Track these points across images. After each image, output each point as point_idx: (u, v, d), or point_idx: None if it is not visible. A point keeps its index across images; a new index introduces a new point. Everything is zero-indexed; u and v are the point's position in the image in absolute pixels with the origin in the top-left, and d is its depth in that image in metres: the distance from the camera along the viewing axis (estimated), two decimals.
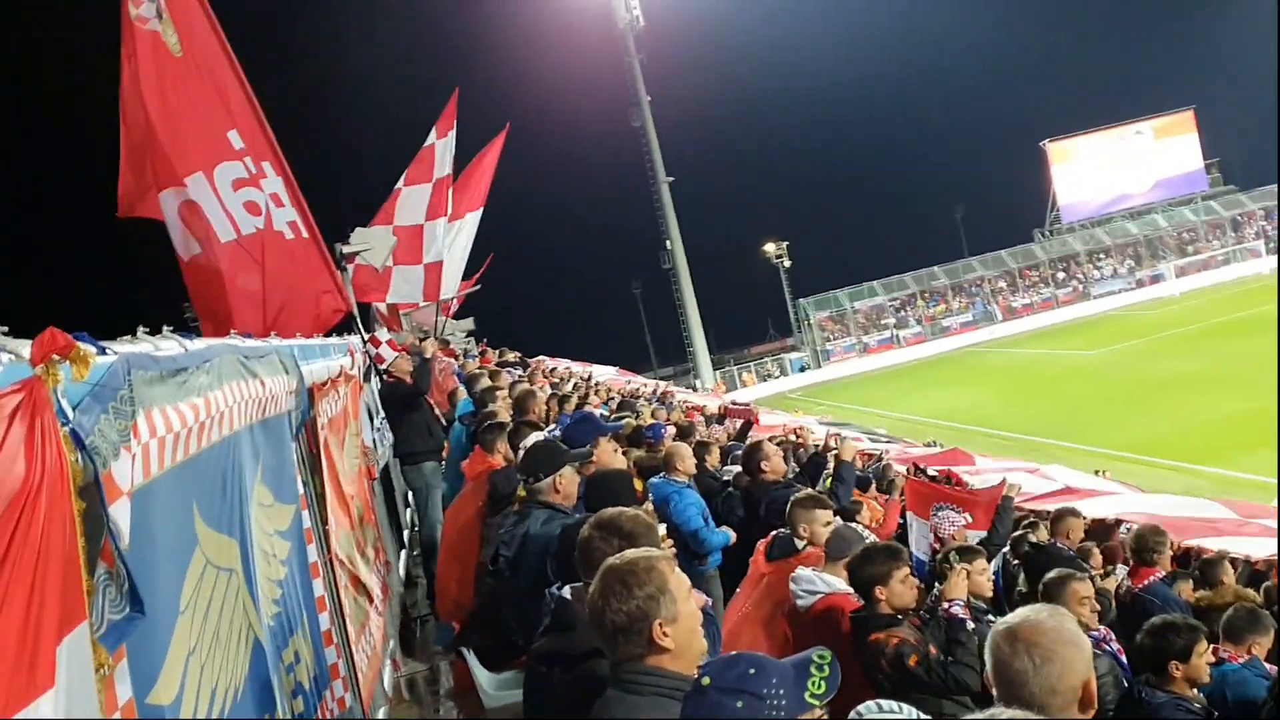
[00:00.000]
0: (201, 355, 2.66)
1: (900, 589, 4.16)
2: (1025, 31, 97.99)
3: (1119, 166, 68.25)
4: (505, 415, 7.37)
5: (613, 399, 15.19)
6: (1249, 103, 78.19)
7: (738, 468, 8.03)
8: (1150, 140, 68.65)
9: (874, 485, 10.04)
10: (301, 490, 4.16)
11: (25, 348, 1.62)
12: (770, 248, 67.98)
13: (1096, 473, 17.88)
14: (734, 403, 15.33)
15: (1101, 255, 64.28)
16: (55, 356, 1.61)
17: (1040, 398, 36.65)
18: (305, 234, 6.58)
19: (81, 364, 1.72)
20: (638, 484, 4.28)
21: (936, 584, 4.53)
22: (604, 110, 67.18)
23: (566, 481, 4.43)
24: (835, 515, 5.16)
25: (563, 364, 26.90)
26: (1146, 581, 6.34)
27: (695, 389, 51.12)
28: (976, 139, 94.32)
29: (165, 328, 2.69)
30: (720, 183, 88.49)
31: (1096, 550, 7.74)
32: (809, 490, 5.67)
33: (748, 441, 7.80)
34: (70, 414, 1.68)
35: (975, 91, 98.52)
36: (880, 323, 62.82)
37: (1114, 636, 4.73)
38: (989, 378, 45.82)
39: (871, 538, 4.59)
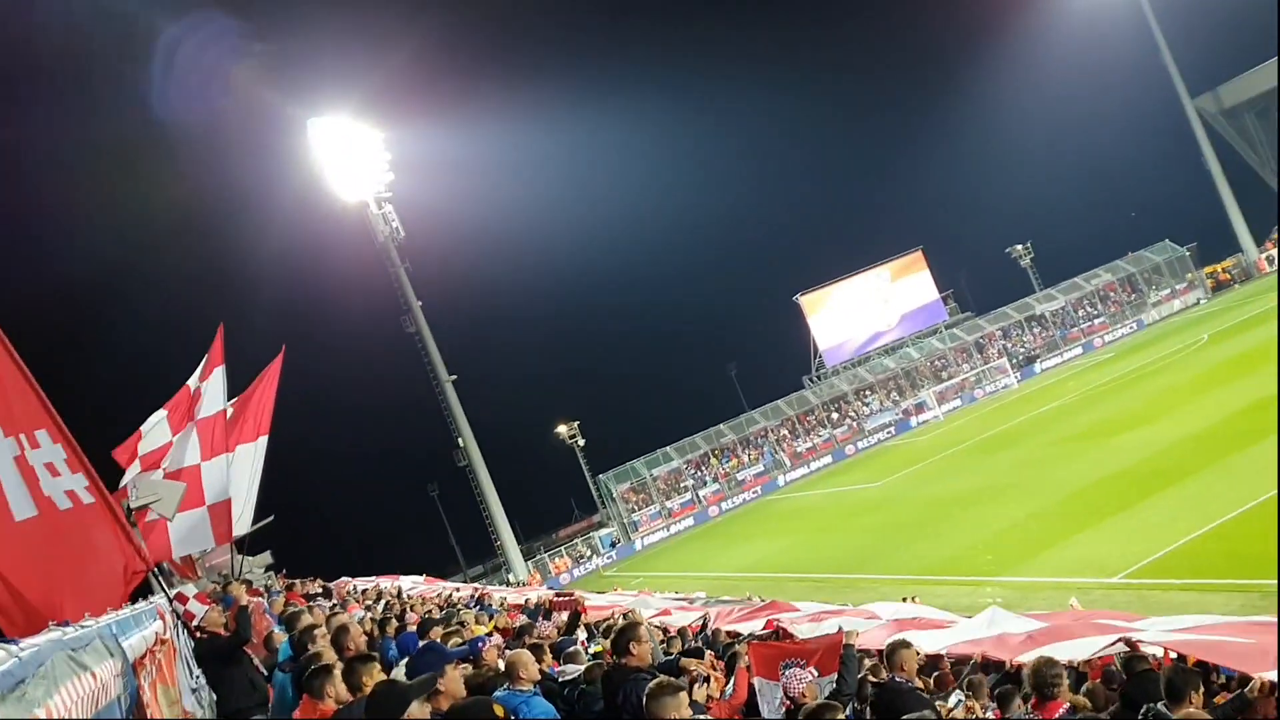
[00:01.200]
0: (35, 660, 2.51)
1: None
2: (765, 196, 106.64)
3: (866, 308, 74.27)
4: (330, 655, 7.02)
5: (430, 611, 14.70)
6: (969, 236, 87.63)
7: (573, 666, 7.89)
8: (889, 281, 75.14)
9: (710, 654, 10.05)
10: None
11: None
12: (563, 429, 68.49)
13: (904, 600, 18.65)
14: (559, 594, 15.12)
15: (868, 392, 68.50)
16: None
17: (839, 535, 38.05)
18: (91, 498, 6.10)
19: None
20: (499, 709, 4.17)
21: None
22: (377, 321, 67.11)
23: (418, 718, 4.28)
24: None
25: (368, 582, 25.84)
26: (1055, 717, 6.47)
27: (509, 583, 49.97)
28: (738, 299, 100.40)
29: None
30: (504, 374, 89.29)
31: (922, 681, 8.03)
32: (661, 677, 5.64)
33: (623, 625, 7.60)
34: None
35: (729, 256, 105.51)
36: (680, 485, 63.88)
37: None
38: (789, 523, 47.26)
39: None
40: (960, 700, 7.55)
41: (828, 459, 62.77)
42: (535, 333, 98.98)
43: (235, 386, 13.30)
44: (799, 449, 64.81)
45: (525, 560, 59.15)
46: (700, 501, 62.20)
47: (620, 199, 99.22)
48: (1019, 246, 75.05)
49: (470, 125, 79.18)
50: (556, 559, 59.49)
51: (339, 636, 7.88)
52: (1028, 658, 8.24)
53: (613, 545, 59.87)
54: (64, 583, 5.47)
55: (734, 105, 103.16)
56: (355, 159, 58.95)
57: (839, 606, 15.39)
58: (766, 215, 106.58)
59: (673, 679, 5.36)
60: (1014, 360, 66.62)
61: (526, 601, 18.19)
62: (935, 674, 8.58)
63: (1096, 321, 69.00)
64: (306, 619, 8.75)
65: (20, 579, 5.32)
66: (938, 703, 7.24)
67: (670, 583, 35.57)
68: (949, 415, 61.71)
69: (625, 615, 11.35)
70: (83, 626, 3.75)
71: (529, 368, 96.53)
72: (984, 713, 7.50)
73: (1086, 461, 31.34)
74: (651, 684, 5.20)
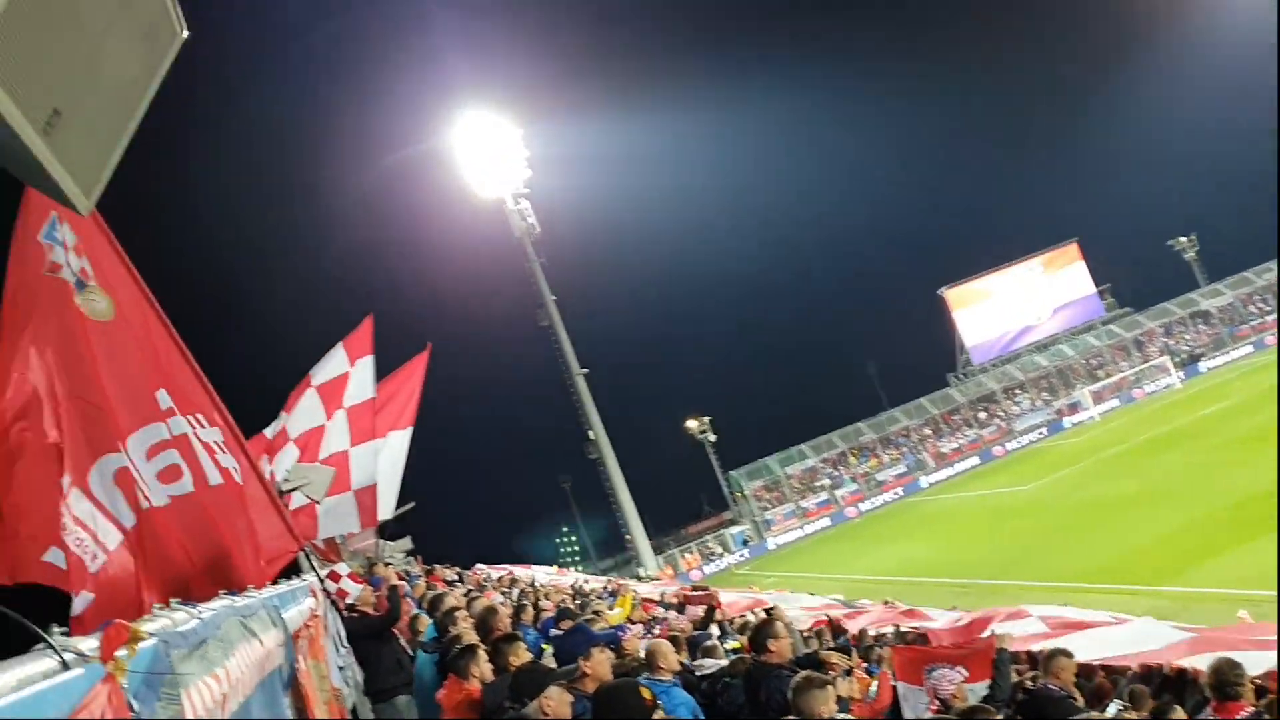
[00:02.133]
0: (214, 623, 2.61)
1: None
2: (909, 187, 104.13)
3: (1017, 303, 71.53)
4: (472, 637, 7.17)
5: (563, 600, 14.90)
6: (1128, 228, 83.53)
7: (710, 660, 7.83)
8: (1041, 274, 72.24)
9: (853, 653, 9.88)
10: None
11: (86, 644, 1.59)
12: (693, 424, 68.52)
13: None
14: (693, 589, 15.14)
15: (1017, 390, 66.31)
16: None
17: (986, 539, 36.89)
18: (250, 478, 6.33)
19: (134, 642, 1.70)
20: (645, 692, 4.17)
21: None
22: (512, 315, 68.75)
23: (555, 702, 4.32)
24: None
25: (501, 570, 26.39)
26: (1237, 719, 6.15)
27: (640, 578, 50.28)
28: (878, 294, 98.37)
29: (172, 600, 2.64)
30: (635, 368, 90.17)
31: (1078, 690, 7.67)
32: (805, 673, 5.55)
33: (760, 621, 7.56)
34: (135, 706, 1.64)
35: (870, 250, 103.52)
36: (815, 485, 63.16)
37: None
38: (932, 525, 46.10)
39: None
40: (1119, 710, 7.20)
41: (974, 460, 61.13)
42: (668, 327, 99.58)
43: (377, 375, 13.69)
44: (943, 449, 63.33)
45: (656, 555, 59.46)
46: (837, 501, 61.43)
47: (757, 193, 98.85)
48: (1182, 239, 71.12)
49: (608, 120, 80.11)
50: (687, 555, 59.61)
51: (487, 618, 8.03)
52: (1190, 662, 7.80)
53: (745, 543, 59.64)
54: (231, 553, 5.72)
55: (878, 95, 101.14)
56: (494, 155, 60.38)
57: (985, 612, 14.89)
58: (910, 206, 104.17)
59: (818, 674, 5.26)
60: (1176, 359, 63.27)
61: (662, 595, 18.21)
62: (1093, 683, 8.18)
63: (1268, 318, 64.66)
64: (450, 601, 8.96)
65: (197, 548, 5.60)
66: (1094, 713, 6.91)
67: (805, 584, 35.14)
68: (1105, 416, 59.20)
69: (768, 611, 11.27)
70: (248, 596, 3.91)
71: (661, 362, 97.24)
72: None
73: (1256, 467, 29.36)
74: (797, 679, 5.12)
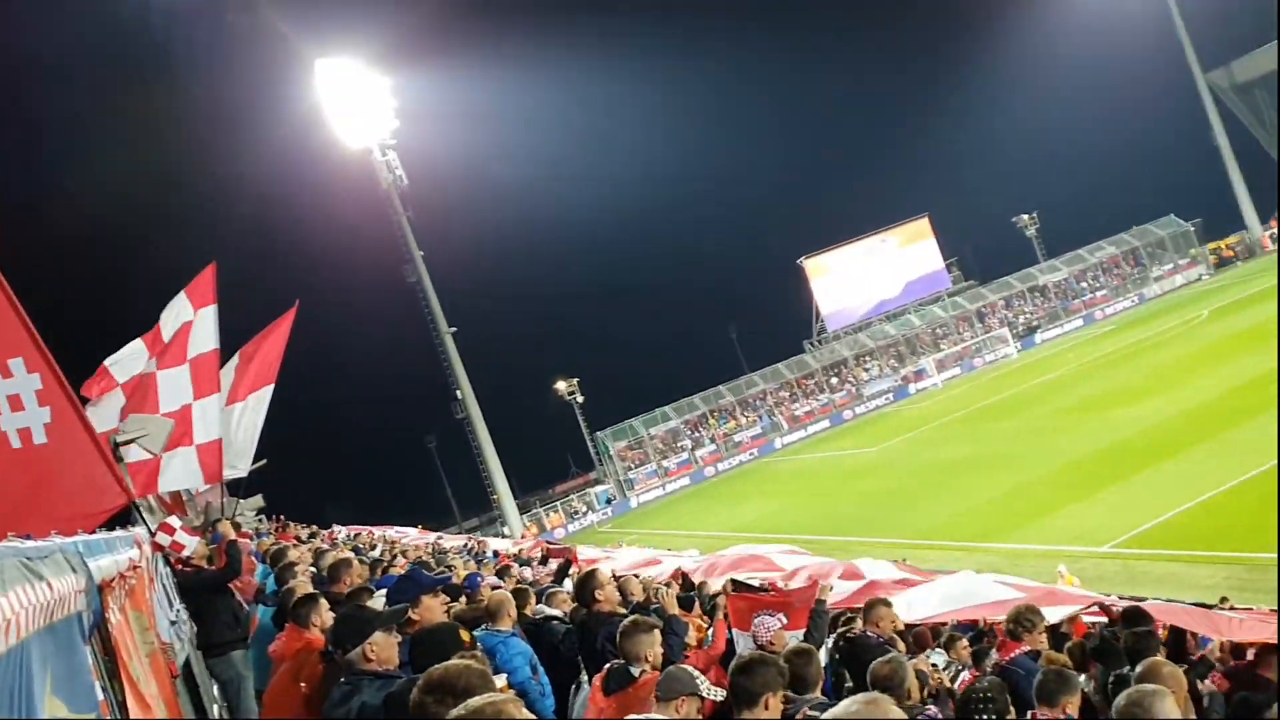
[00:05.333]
0: None
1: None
2: (771, 157, 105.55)
3: (871, 274, 73.89)
4: (307, 588, 7.03)
5: (420, 557, 14.79)
6: (975, 204, 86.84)
7: (548, 608, 7.86)
8: (895, 247, 74.76)
9: (696, 605, 10.08)
10: (102, 696, 3.82)
11: None
12: (561, 386, 68.58)
13: (896, 563, 18.70)
14: (552, 543, 15.25)
15: (868, 358, 68.53)
16: None
17: (834, 497, 38.20)
18: (72, 427, 5.83)
19: None
20: (465, 634, 4.16)
21: None
22: (378, 269, 66.90)
23: (379, 646, 4.25)
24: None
25: (362, 530, 26.00)
26: (1012, 655, 6.42)
27: (504, 536, 50.26)
28: (741, 261, 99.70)
29: None
30: (504, 328, 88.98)
31: (899, 639, 8.00)
32: (633, 617, 5.66)
33: (583, 575, 7.63)
34: None
35: (734, 217, 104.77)
36: (677, 445, 64.10)
37: (939, 713, 4.92)
38: (785, 484, 47.45)
39: (704, 681, 4.41)
40: (947, 661, 7.57)
41: (825, 423, 63.01)
42: (537, 288, 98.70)
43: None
44: (797, 412, 64.99)
45: (521, 515, 59.48)
46: (697, 461, 62.51)
47: (626, 156, 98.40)
48: (1025, 216, 74.59)
49: (478, 74, 78.40)
50: (552, 514, 59.79)
51: (336, 569, 7.82)
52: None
53: (608, 502, 60.17)
54: (20, 513, 5.28)
55: (745, 63, 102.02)
56: (361, 104, 58.41)
57: (823, 561, 15.38)
58: (773, 176, 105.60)
59: (645, 618, 5.38)
60: (1015, 330, 66.56)
61: (520, 552, 18.23)
62: (914, 632, 8.57)
63: (1098, 294, 68.85)
64: (291, 554, 8.76)
65: None
66: (915, 660, 7.23)
67: (664, 540, 35.72)
68: (948, 383, 61.78)
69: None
70: (46, 542, 3.72)
71: (529, 322, 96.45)
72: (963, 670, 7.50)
73: (1082, 433, 31.37)
74: (625, 623, 5.22)
